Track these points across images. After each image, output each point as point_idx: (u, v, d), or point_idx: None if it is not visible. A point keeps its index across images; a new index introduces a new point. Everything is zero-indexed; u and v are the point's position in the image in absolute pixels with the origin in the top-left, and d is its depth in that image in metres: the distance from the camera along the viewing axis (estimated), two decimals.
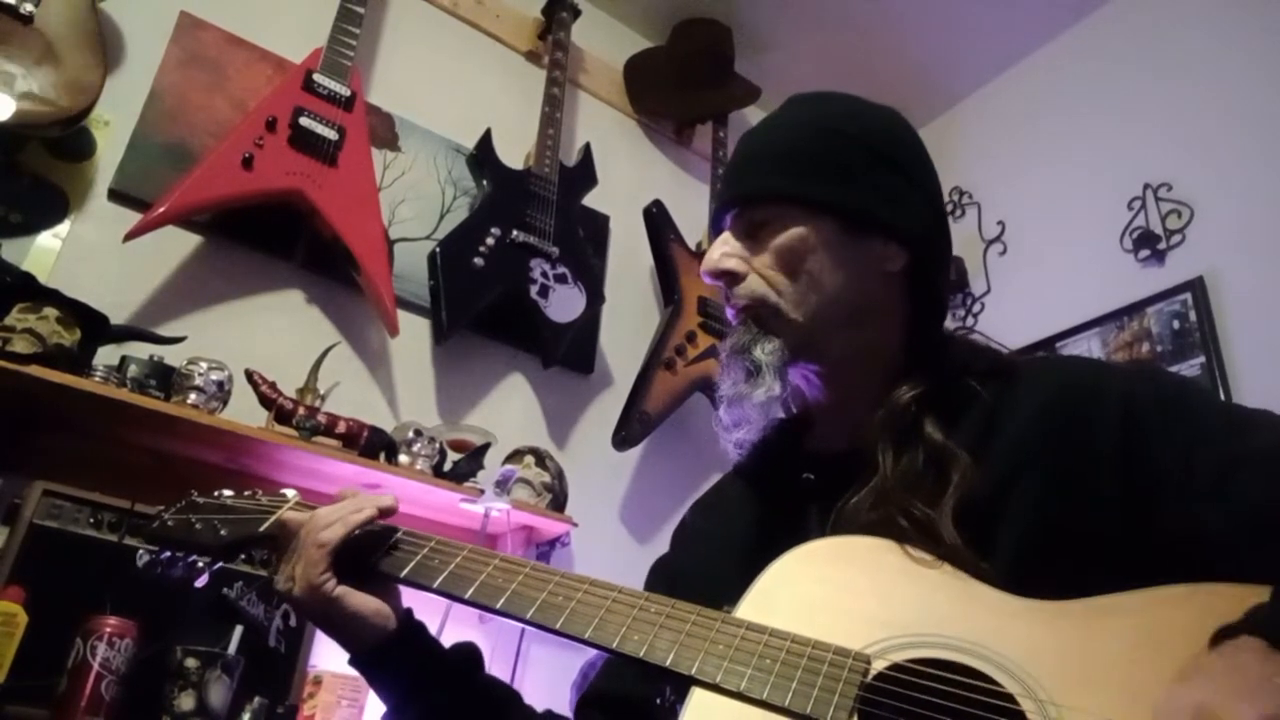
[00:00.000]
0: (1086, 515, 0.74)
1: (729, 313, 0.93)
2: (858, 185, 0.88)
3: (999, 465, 0.77)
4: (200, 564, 0.92)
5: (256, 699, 1.50)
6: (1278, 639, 0.57)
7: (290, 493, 0.95)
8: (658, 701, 0.83)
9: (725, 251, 0.91)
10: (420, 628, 0.91)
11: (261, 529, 0.91)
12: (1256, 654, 0.57)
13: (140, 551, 0.93)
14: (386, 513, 0.89)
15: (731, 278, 0.90)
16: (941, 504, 0.75)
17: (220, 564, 0.93)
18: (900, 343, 0.91)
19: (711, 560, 0.93)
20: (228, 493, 0.98)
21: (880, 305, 0.90)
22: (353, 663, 0.88)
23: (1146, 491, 0.73)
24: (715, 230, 0.96)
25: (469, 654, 0.93)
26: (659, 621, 0.74)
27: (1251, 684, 0.55)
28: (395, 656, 0.87)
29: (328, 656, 1.69)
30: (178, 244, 1.93)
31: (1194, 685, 0.57)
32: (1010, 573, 0.71)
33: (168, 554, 0.92)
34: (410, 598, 0.89)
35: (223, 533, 0.92)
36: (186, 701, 1.41)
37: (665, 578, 0.99)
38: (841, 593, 0.74)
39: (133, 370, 1.65)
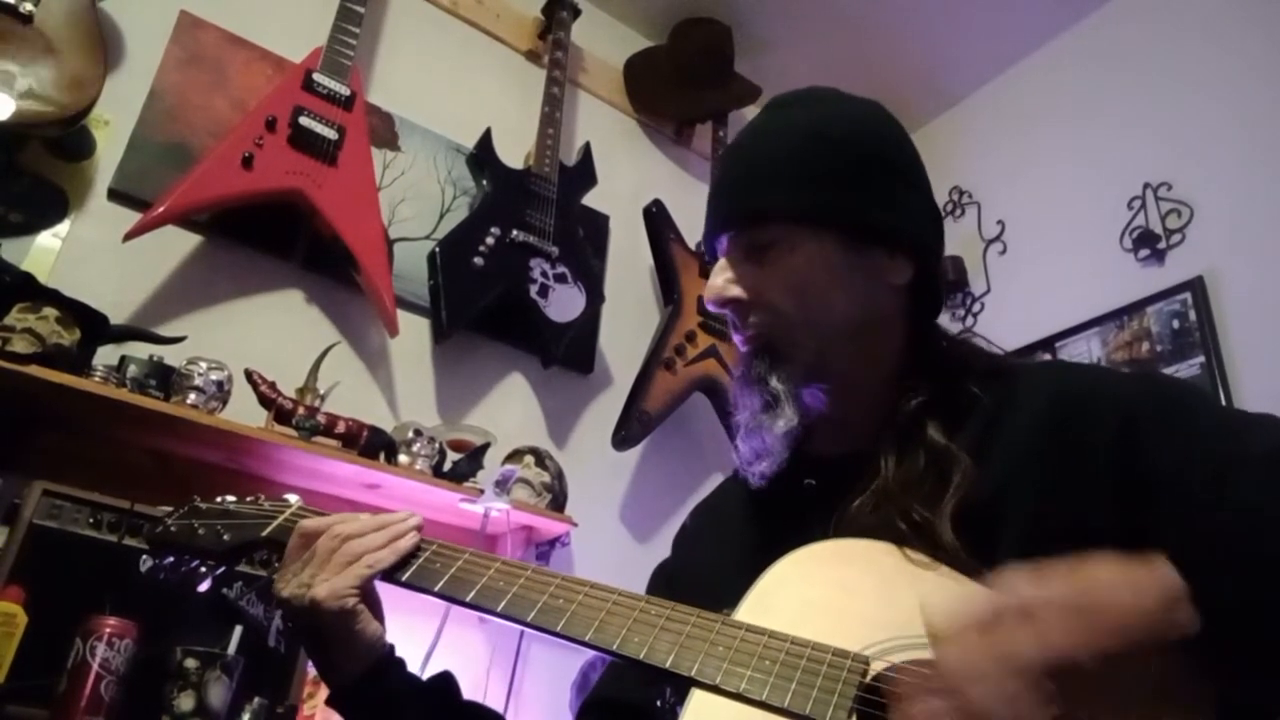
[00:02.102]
0: (1084, 519, 0.73)
1: (736, 339, 0.90)
2: (860, 199, 0.86)
3: (998, 469, 0.77)
4: (203, 569, 0.92)
5: (256, 699, 1.50)
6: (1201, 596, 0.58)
7: (293, 497, 0.96)
8: (658, 704, 0.83)
9: (729, 278, 0.88)
10: (402, 661, 0.90)
11: (264, 533, 0.91)
12: (1159, 584, 0.59)
13: (143, 557, 0.93)
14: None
15: (738, 305, 0.88)
16: (941, 506, 0.75)
17: (223, 568, 0.93)
18: (903, 347, 0.90)
19: (712, 564, 0.93)
20: (230, 498, 0.98)
21: (886, 317, 0.89)
22: (332, 698, 0.86)
23: (1143, 496, 0.73)
24: (709, 251, 0.93)
25: (447, 682, 0.94)
26: (659, 623, 0.74)
27: (1105, 622, 0.56)
28: (381, 684, 0.86)
29: None
30: (177, 244, 1.93)
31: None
32: None
33: (171, 559, 0.92)
34: (411, 597, 0.89)
35: (225, 537, 0.92)
36: (186, 702, 1.41)
37: (666, 582, 0.99)
38: (840, 594, 0.74)
39: (132, 370, 1.65)
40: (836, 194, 0.86)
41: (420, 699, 0.89)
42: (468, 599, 0.82)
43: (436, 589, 0.83)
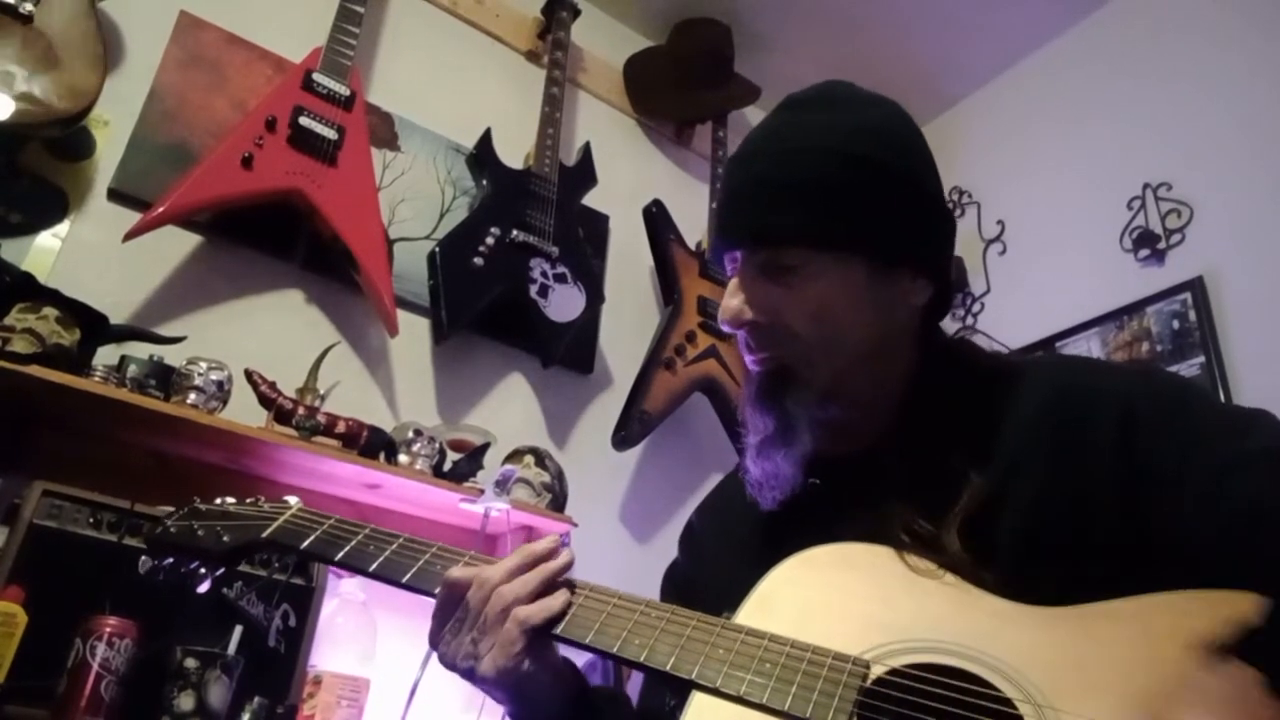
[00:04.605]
0: (1084, 518, 0.74)
1: (749, 359, 0.87)
2: (887, 222, 0.83)
3: (998, 468, 0.78)
4: (202, 570, 0.92)
5: (256, 699, 1.49)
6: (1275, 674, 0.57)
7: (293, 499, 0.96)
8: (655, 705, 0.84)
9: (745, 299, 0.85)
10: (590, 690, 0.87)
11: (264, 535, 0.91)
12: (1258, 691, 0.56)
13: (142, 558, 0.93)
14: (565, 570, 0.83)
15: (754, 327, 0.85)
16: (947, 520, 0.75)
17: (223, 570, 0.93)
18: (912, 358, 0.89)
19: (720, 566, 0.93)
20: (230, 499, 0.98)
21: (903, 335, 0.87)
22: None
23: (1144, 494, 0.73)
24: (716, 260, 0.90)
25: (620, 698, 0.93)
26: (660, 626, 0.74)
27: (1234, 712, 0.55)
28: (586, 715, 0.84)
29: (328, 656, 1.70)
30: (177, 244, 1.93)
31: (1198, 713, 0.56)
32: (1009, 576, 0.71)
33: (170, 560, 0.93)
34: (411, 595, 0.88)
35: (225, 539, 0.92)
36: (186, 702, 1.40)
37: (677, 585, 0.99)
38: (841, 597, 0.74)
39: (132, 370, 1.65)
40: (863, 220, 0.82)
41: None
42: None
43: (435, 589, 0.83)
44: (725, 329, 0.87)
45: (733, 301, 0.85)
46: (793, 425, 0.83)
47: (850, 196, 0.82)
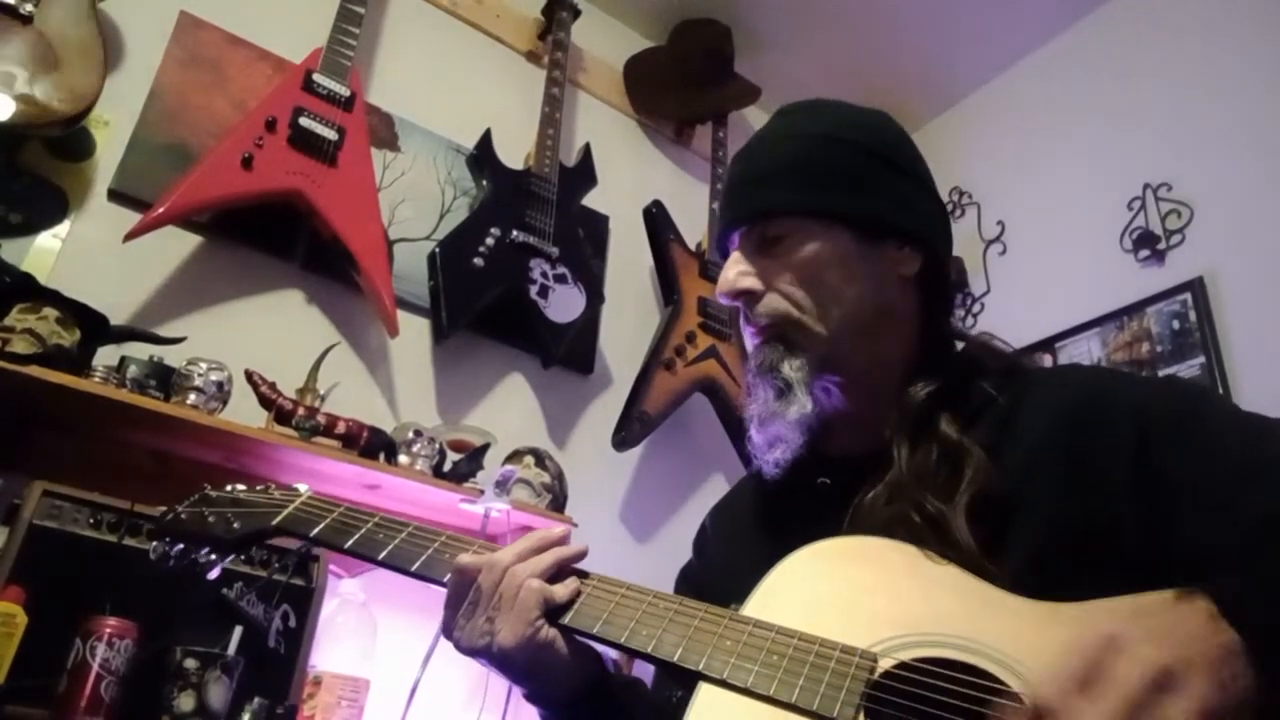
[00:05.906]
0: (1098, 525, 0.73)
1: (747, 331, 0.91)
2: (869, 192, 0.88)
3: (1012, 470, 0.77)
4: (214, 556, 0.92)
5: (256, 699, 1.49)
6: (1226, 606, 0.58)
7: (303, 487, 0.96)
8: (666, 696, 0.84)
9: (740, 270, 0.90)
10: (609, 675, 0.87)
11: (275, 522, 0.90)
12: (1198, 613, 0.58)
13: (153, 544, 0.93)
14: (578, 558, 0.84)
15: (750, 296, 0.89)
16: (955, 499, 0.75)
17: (232, 556, 0.93)
18: (914, 343, 0.91)
19: (729, 564, 0.94)
20: (240, 486, 0.98)
21: (897, 309, 0.90)
22: (540, 700, 0.83)
23: (1158, 504, 0.72)
24: (721, 252, 0.95)
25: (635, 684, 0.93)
26: (668, 617, 0.75)
27: (1173, 633, 0.56)
28: (603, 697, 0.84)
29: (328, 656, 1.69)
30: (177, 244, 1.93)
31: (1119, 616, 0.58)
32: (1020, 576, 0.71)
33: (180, 547, 0.92)
34: (415, 594, 0.89)
35: (236, 525, 0.92)
36: (186, 702, 1.40)
37: (692, 585, 0.99)
38: (849, 591, 0.74)
39: (132, 371, 1.65)
40: (848, 191, 0.88)
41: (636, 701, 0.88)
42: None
43: (444, 579, 0.83)
44: (723, 301, 0.92)
45: (729, 273, 0.91)
46: (790, 387, 0.86)
47: (831, 169, 0.89)
